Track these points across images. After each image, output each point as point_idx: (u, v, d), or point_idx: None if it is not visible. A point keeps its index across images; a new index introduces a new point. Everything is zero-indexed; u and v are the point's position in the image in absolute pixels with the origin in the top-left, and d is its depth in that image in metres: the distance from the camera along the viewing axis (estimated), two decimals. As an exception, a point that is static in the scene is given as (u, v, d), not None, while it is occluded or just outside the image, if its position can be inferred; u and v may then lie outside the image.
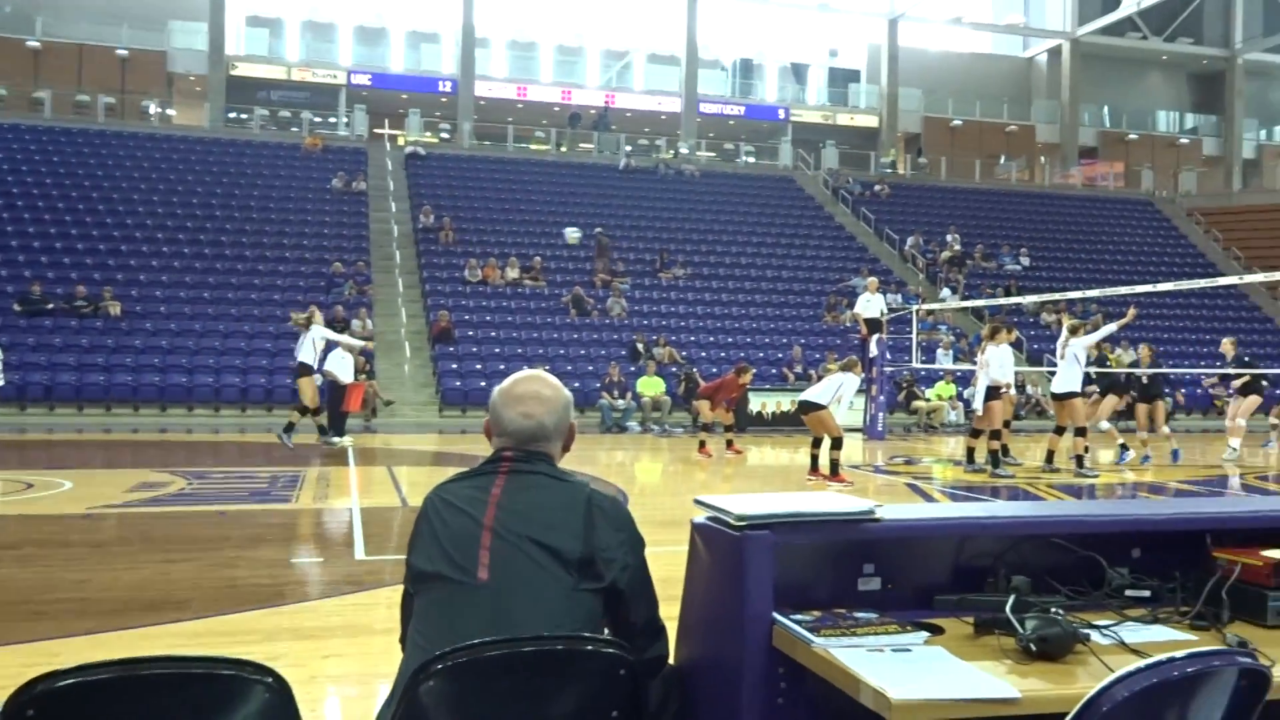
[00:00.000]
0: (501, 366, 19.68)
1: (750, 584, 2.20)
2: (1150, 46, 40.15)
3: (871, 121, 38.28)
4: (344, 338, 14.58)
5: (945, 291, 25.65)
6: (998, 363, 11.75)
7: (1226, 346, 14.92)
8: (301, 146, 29.18)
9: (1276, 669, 1.97)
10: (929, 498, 10.32)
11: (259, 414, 18.63)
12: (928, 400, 21.17)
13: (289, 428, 13.24)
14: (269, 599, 5.45)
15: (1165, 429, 13.90)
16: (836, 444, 10.78)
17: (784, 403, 19.47)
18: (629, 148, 32.67)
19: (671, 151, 33.65)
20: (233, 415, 18.78)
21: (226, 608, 5.26)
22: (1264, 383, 15.01)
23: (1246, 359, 15.50)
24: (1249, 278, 14.96)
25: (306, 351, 13.42)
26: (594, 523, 2.19)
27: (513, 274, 23.80)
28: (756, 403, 19.54)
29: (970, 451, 12.37)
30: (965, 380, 21.65)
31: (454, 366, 20.33)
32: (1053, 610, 2.10)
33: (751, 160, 36.14)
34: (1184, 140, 41.18)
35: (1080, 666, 1.99)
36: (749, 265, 26.71)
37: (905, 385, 21.12)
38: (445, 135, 34.21)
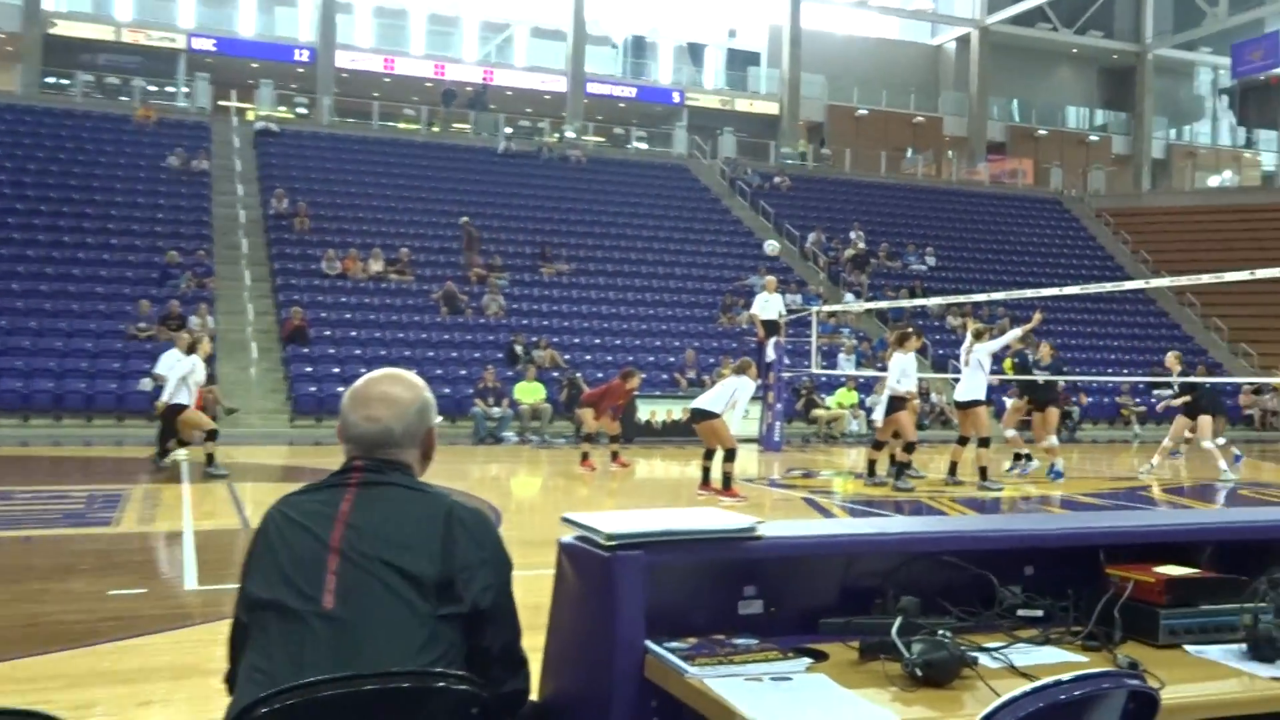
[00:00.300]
0: (362, 370, 18.84)
1: (620, 609, 2.20)
2: (1060, 38, 41.90)
3: (772, 108, 38.95)
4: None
5: (849, 296, 26.25)
6: (899, 371, 12.05)
7: (1171, 361, 15.07)
8: (132, 119, 28.13)
9: (1167, 690, 2.07)
10: (827, 513, 10.53)
11: (107, 424, 18.04)
12: (828, 408, 21.62)
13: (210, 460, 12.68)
14: (80, 638, 5.21)
15: (1052, 439, 14.02)
16: (729, 456, 10.91)
17: (675, 411, 19.63)
18: (509, 129, 32.51)
19: (556, 135, 33.61)
20: (76, 426, 18.01)
21: (27, 650, 5.00)
22: (1219, 399, 15.50)
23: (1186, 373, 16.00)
24: (1156, 282, 15.68)
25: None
26: (454, 538, 2.13)
27: (376, 267, 23.41)
28: (645, 411, 19.66)
29: (872, 464, 12.67)
30: (868, 387, 22.23)
31: (308, 370, 19.88)
32: (940, 633, 2.16)
33: (643, 146, 36.36)
34: (1094, 138, 43.10)
35: (967, 692, 2.06)
36: (639, 261, 26.86)
37: (804, 392, 21.54)
38: (302, 111, 33.46)
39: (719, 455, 11.06)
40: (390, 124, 33.11)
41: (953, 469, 12.75)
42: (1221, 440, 16.15)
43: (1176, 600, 2.43)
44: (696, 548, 2.32)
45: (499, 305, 23.14)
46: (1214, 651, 2.35)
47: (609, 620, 2.21)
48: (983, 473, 12.21)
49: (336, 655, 1.99)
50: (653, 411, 19.80)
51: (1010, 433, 14.52)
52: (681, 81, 39.35)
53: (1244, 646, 2.32)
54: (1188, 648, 2.38)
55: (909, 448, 12.22)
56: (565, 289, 24.85)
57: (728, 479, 10.90)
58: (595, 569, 2.27)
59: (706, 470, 11.25)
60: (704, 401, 11.22)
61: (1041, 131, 42.30)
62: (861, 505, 11.16)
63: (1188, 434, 16.20)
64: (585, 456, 14.14)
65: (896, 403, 12.18)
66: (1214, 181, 41.41)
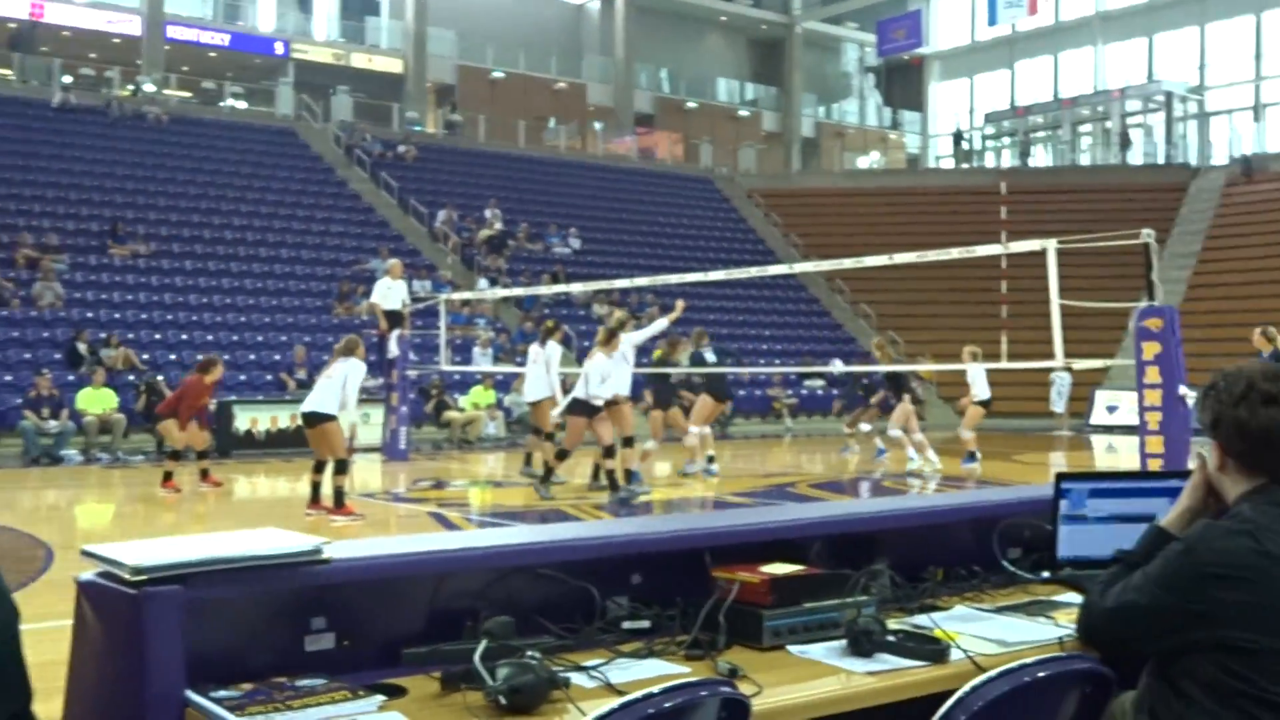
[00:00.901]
0: None
1: (152, 656, 2.11)
2: (709, 4, 44.36)
3: (395, 66, 38.57)
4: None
5: (484, 283, 26.47)
6: (598, 376, 12.21)
7: (873, 347, 16.54)
8: None
9: (764, 694, 2.24)
10: (456, 529, 10.58)
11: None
12: (462, 410, 21.72)
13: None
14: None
15: (699, 431, 14.83)
16: (340, 468, 10.69)
17: (281, 417, 19.02)
18: (67, 78, 30.17)
19: (129, 87, 31.61)
20: None
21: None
22: (910, 382, 16.92)
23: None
24: (800, 266, 16.96)
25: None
26: None
27: (-112, 246, 21.03)
28: (245, 418, 18.92)
29: (609, 474, 12.73)
30: (506, 385, 22.54)
31: None
32: (529, 654, 2.22)
33: (241, 105, 34.90)
34: (744, 113, 45.97)
35: (555, 718, 2.13)
36: (236, 241, 25.80)
37: (434, 392, 21.50)
38: None
39: (330, 468, 10.80)
40: (-95, 65, 29.82)
41: (595, 473, 13.18)
42: (867, 427, 17.85)
43: (781, 600, 2.63)
44: (249, 577, 2.25)
45: (55, 294, 21.50)
46: (816, 650, 2.57)
47: (138, 670, 2.11)
48: (627, 475, 12.70)
49: None
50: (254, 419, 19.07)
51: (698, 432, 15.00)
52: (287, 30, 38.11)
53: (844, 643, 2.55)
54: (791, 648, 2.58)
55: (608, 452, 12.45)
56: (143, 274, 23.45)
57: (339, 495, 10.68)
58: (120, 610, 2.15)
59: (316, 486, 10.94)
60: (313, 403, 10.90)
61: (691, 104, 44.58)
62: (499, 517, 11.30)
63: (865, 425, 17.79)
64: (168, 476, 13.38)
65: (584, 406, 12.30)
66: (862, 163, 45.38)
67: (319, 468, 10.92)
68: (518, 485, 13.90)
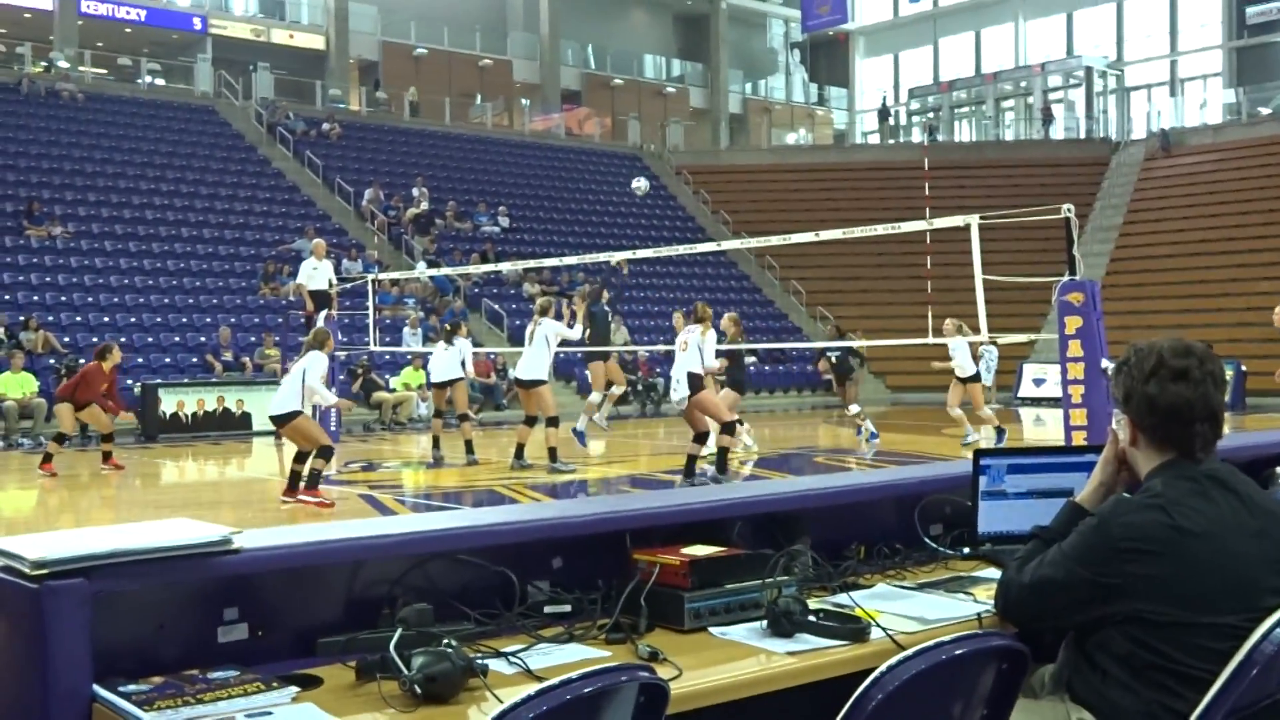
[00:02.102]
0: None
1: (56, 652, 2.05)
2: (635, -20, 44.22)
3: (317, 42, 38.01)
4: None
5: (422, 265, 26.23)
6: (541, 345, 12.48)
7: (832, 332, 16.51)
8: None
9: (684, 677, 2.23)
10: (388, 511, 10.50)
11: None
12: (392, 391, 21.55)
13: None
14: None
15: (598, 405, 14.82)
16: (324, 453, 10.54)
17: (208, 400, 18.78)
18: (-23, 55, 29.37)
19: (42, 64, 30.82)
20: None
21: None
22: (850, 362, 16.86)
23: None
24: (728, 243, 16.97)
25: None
26: None
27: None
28: (171, 401, 18.63)
29: (520, 448, 13.04)
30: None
31: None
32: (446, 642, 2.19)
33: (159, 83, 34.20)
34: (671, 89, 45.89)
35: (472, 705, 2.11)
36: (157, 221, 25.33)
37: (361, 373, 21.29)
38: None
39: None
40: None
41: (519, 451, 13.12)
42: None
43: (701, 581, 2.63)
44: (156, 569, 2.20)
45: (-30, 277, 20.96)
46: (737, 631, 2.57)
47: (41, 666, 2.05)
48: (552, 454, 12.69)
49: None
50: (180, 402, 18.79)
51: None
52: (204, 4, 37.32)
53: (765, 624, 2.54)
54: (713, 630, 2.58)
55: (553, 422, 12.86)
56: (61, 255, 22.96)
57: (315, 477, 10.48)
58: (21, 604, 2.09)
59: (295, 475, 10.67)
60: (275, 405, 10.78)
61: (618, 81, 44.41)
62: (430, 499, 11.24)
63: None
64: (48, 458, 13.27)
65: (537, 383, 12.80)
66: (790, 139, 45.52)
67: (300, 457, 10.73)
68: (451, 467, 13.82)
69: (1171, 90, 40.24)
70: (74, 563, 2.10)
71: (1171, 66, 40.65)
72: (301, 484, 10.56)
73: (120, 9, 35.14)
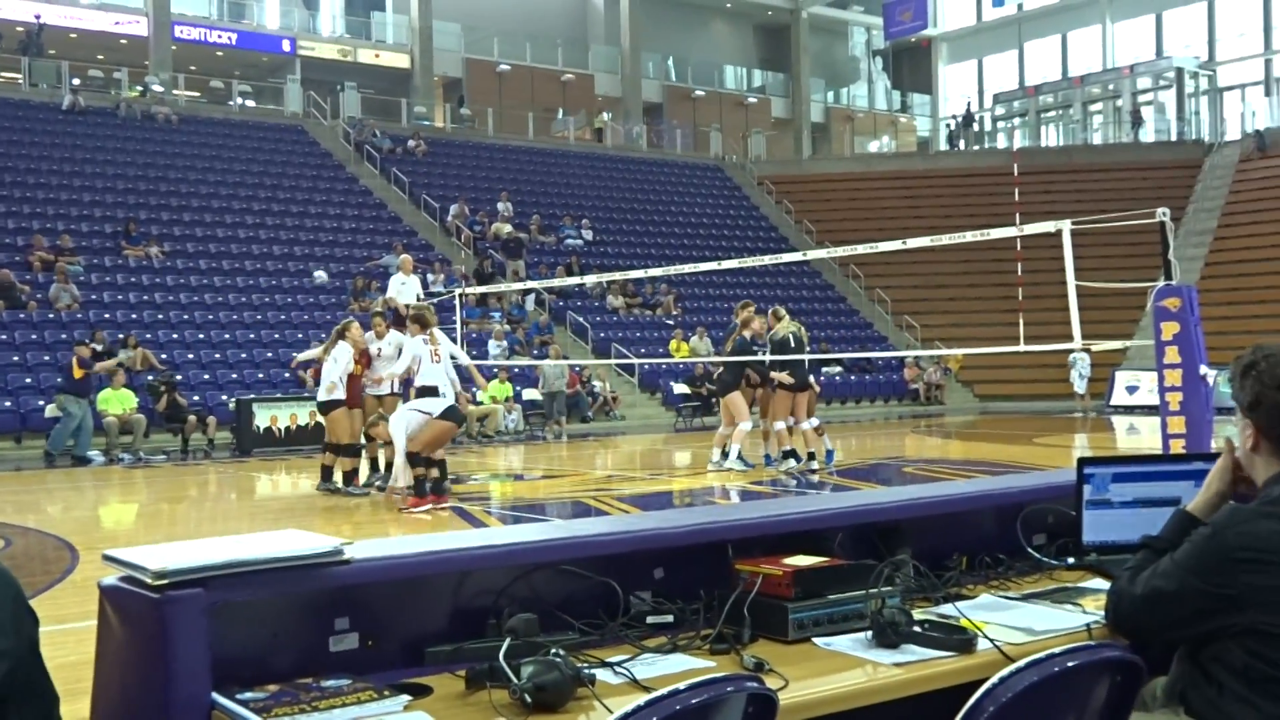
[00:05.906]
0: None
1: (177, 660, 2.10)
2: (713, -10, 44.24)
3: (402, 61, 38.56)
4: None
5: (501, 279, 26.44)
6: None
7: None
8: None
9: (790, 687, 2.22)
10: (479, 523, 10.58)
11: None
12: (479, 404, 21.72)
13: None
14: None
15: (780, 425, 14.53)
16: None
17: (300, 415, 19.08)
18: (76, 80, 30.22)
19: (138, 88, 31.63)
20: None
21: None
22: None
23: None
24: (814, 253, 16.85)
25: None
26: None
27: (-96, 252, 21.11)
28: (264, 416, 18.96)
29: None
30: (524, 378, 22.57)
31: None
32: (554, 651, 2.21)
33: (249, 104, 34.94)
34: (752, 100, 45.81)
35: (581, 715, 2.12)
36: (249, 239, 25.83)
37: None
38: None
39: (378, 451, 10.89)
40: (-83, 72, 29.91)
41: (374, 465, 12.97)
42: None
43: (805, 592, 2.61)
44: (270, 579, 2.24)
45: (72, 296, 21.55)
46: (842, 642, 2.54)
47: (162, 674, 2.10)
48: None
49: None
50: (273, 416, 19.12)
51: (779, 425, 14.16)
52: (292, 27, 38.11)
53: (870, 634, 2.52)
54: (817, 640, 2.56)
55: None
56: (157, 275, 23.49)
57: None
58: (143, 614, 2.15)
59: (420, 480, 10.84)
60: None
61: (699, 92, 44.45)
62: (521, 511, 11.30)
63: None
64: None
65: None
66: (873, 147, 45.19)
67: (429, 463, 10.95)
68: (535, 480, 13.88)
69: (1266, 90, 39.23)
70: (193, 573, 2.15)
71: (1266, 66, 39.63)
72: (426, 492, 10.67)
73: (212, 33, 36.02)
